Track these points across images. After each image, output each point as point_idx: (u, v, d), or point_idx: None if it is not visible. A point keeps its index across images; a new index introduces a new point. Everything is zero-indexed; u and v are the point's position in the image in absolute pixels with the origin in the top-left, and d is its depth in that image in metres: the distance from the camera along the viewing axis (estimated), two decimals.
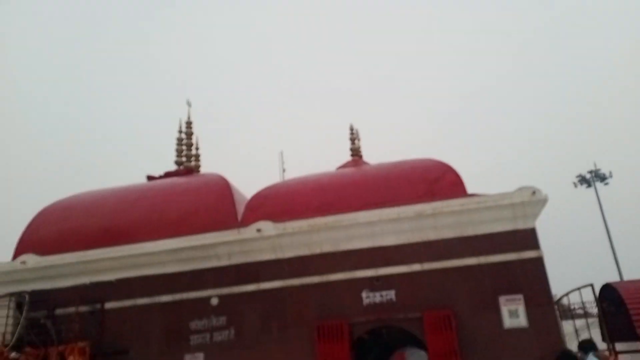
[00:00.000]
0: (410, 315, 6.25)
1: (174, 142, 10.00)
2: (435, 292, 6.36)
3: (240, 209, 7.89)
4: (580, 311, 8.04)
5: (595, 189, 20.77)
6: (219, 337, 6.84)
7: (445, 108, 52.51)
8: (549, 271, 6.20)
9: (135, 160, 44.26)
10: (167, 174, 9.40)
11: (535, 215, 6.37)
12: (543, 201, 6.25)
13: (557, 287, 7.02)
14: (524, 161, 45.23)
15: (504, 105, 52.30)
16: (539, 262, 6.17)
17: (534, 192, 6.23)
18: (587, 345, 5.59)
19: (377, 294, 6.48)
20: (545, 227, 6.65)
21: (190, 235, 7.24)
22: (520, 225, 6.30)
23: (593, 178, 21.09)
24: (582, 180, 21.62)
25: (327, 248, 6.84)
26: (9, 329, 6.85)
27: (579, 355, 5.61)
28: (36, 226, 8.46)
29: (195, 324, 6.96)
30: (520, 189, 6.33)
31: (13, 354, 6.78)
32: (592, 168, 21.24)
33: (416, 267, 6.49)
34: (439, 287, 6.39)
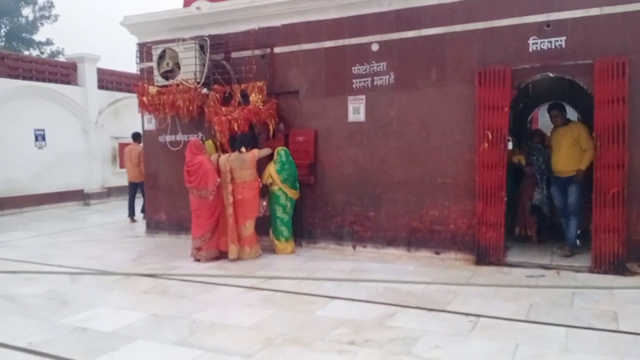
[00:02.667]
0: (580, 61, 6.06)
1: None
2: (611, 39, 5.97)
3: None
4: None
5: None
6: (379, 81, 7.28)
7: None
8: None
9: None
10: None
11: None
12: None
13: None
14: None
15: None
16: None
17: None
18: None
19: (546, 41, 6.26)
20: None
21: None
22: None
23: None
24: None
25: None
26: (198, 68, 7.84)
27: None
28: None
29: (357, 69, 7.41)
30: None
31: (204, 90, 7.91)
32: None
33: (594, 11, 6.01)
34: (616, 33, 5.96)
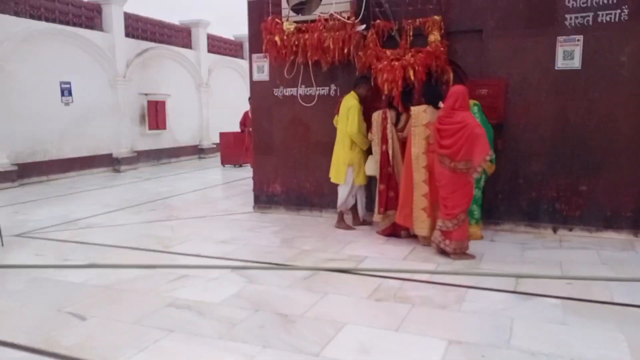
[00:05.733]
0: None
1: None
2: None
3: None
4: None
5: None
6: (605, 17, 5.68)
7: None
8: None
9: None
10: None
11: None
12: None
13: None
14: None
15: None
16: None
17: None
18: None
19: None
20: None
21: None
22: None
23: None
24: None
25: None
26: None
27: None
28: None
29: (571, 2, 5.78)
30: None
31: (362, 27, 6.15)
32: None
33: None
34: None
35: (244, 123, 9.57)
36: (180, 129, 16.60)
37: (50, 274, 4.88)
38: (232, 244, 5.84)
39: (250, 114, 8.68)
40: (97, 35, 13.14)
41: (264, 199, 7.58)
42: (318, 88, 6.90)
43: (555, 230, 6.11)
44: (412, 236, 5.89)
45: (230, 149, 14.35)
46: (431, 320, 3.71)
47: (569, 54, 5.85)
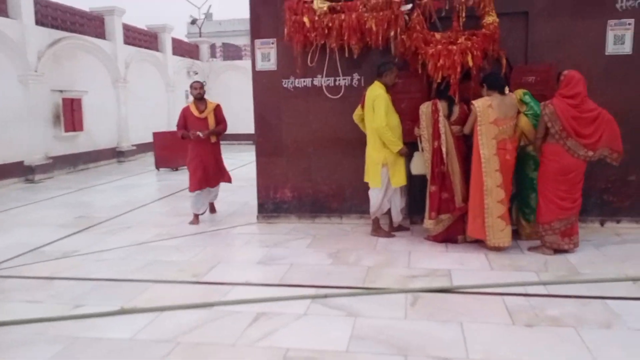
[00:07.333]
0: None
1: None
2: None
3: None
4: None
5: None
6: None
7: None
8: None
9: None
10: None
11: None
12: None
13: None
14: None
15: None
16: None
17: None
18: None
19: None
20: None
21: None
22: None
23: None
24: None
25: None
26: None
27: None
28: None
29: None
30: None
31: (408, 7, 5.39)
32: None
33: None
34: None
35: (183, 125, 6.70)
36: (98, 130, 14.65)
37: (73, 329, 3.56)
38: (276, 265, 4.82)
39: (191, 111, 6.77)
40: (3, 22, 10.99)
41: (270, 207, 6.54)
42: (340, 78, 6.03)
43: (602, 224, 5.83)
44: (468, 242, 5.28)
45: (167, 151, 12.80)
46: (619, 346, 3.10)
47: (619, 39, 5.57)
